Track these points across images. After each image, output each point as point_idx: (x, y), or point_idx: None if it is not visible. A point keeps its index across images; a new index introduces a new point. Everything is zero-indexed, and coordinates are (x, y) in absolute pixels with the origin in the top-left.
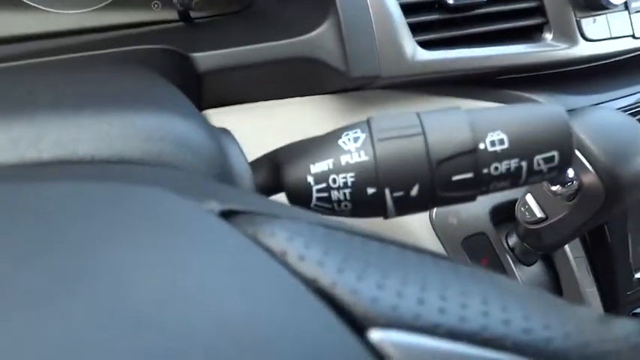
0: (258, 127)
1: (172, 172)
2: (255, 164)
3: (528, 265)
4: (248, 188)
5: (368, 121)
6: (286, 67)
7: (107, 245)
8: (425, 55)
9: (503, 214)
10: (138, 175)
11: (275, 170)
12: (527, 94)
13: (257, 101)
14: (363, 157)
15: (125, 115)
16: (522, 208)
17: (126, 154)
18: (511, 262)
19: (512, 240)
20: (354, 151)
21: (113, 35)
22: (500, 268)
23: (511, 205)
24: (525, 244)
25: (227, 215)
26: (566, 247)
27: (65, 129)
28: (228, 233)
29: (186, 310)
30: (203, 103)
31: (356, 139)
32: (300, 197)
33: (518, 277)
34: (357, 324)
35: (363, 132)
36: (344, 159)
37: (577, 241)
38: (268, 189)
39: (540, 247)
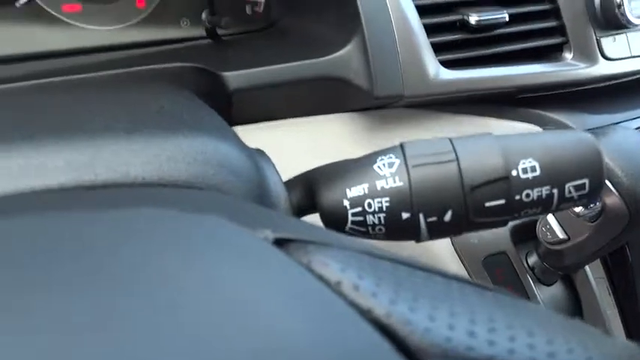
0: (284, 144)
1: (222, 197)
2: (290, 184)
3: (548, 285)
4: (285, 208)
5: (401, 147)
6: (313, 85)
7: (169, 271)
8: (447, 74)
9: (524, 234)
10: (190, 200)
11: (309, 191)
12: (547, 113)
13: (284, 118)
14: (398, 183)
15: (172, 139)
16: (543, 228)
17: (174, 177)
18: (531, 281)
19: (533, 259)
20: (389, 176)
21: (144, 52)
22: (520, 287)
23: (532, 224)
24: (546, 264)
25: (280, 243)
26: (587, 267)
27: (118, 152)
28: (285, 262)
29: (249, 335)
30: (231, 120)
31: (391, 165)
32: (336, 220)
33: (538, 297)
34: (412, 355)
35: (397, 157)
36: (379, 184)
37: (598, 262)
38: (303, 209)
39: (561, 267)
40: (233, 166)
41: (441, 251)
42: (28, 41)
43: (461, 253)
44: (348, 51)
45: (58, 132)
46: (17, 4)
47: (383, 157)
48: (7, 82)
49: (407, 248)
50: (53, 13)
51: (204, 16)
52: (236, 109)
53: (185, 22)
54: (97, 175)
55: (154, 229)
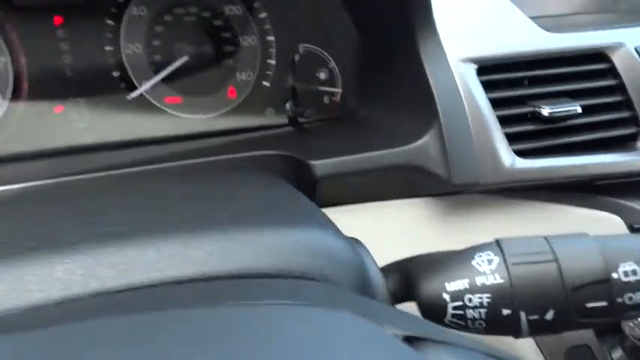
0: (362, 227)
1: (343, 291)
2: (386, 272)
3: None
4: (383, 296)
5: (498, 244)
6: (392, 172)
7: None
8: (522, 163)
9: (608, 326)
10: (316, 293)
11: (406, 280)
12: (622, 201)
13: (362, 202)
14: (499, 280)
15: (284, 231)
16: (631, 323)
17: (291, 269)
18: None
19: (617, 354)
20: (489, 273)
21: (234, 139)
22: None
23: None
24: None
25: (410, 340)
26: None
27: (235, 245)
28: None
29: None
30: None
31: (490, 262)
32: (435, 312)
33: None
34: None
35: (495, 255)
36: (479, 280)
37: None
38: (399, 298)
39: None
40: (340, 257)
41: (521, 340)
42: (135, 128)
43: (542, 344)
44: (426, 141)
45: (181, 224)
46: (128, 97)
47: (481, 253)
48: (117, 168)
49: (487, 337)
50: (157, 104)
51: (288, 106)
52: (319, 193)
53: (270, 111)
54: (222, 265)
55: (295, 324)
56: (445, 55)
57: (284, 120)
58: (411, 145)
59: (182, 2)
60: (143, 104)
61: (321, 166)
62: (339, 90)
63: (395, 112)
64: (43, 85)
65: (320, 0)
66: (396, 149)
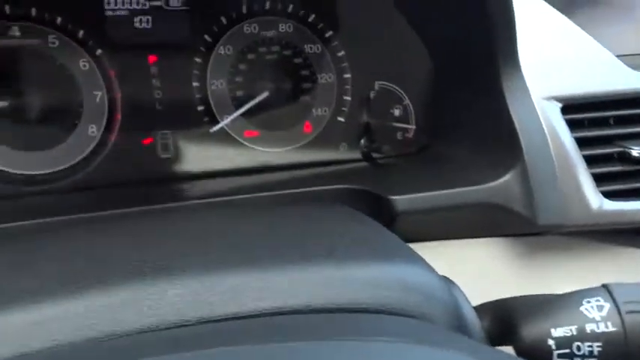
0: (440, 265)
1: (447, 331)
2: (480, 311)
3: None
4: (479, 337)
5: (607, 289)
6: (472, 210)
7: None
8: (610, 205)
9: None
10: (423, 332)
11: (504, 322)
12: None
13: (439, 239)
14: (611, 328)
15: (378, 266)
16: None
17: (389, 304)
18: None
19: None
20: (599, 320)
21: (310, 173)
22: None
23: None
24: None
25: None
26: None
27: (337, 279)
28: None
29: None
30: None
31: (600, 308)
32: (538, 358)
33: None
34: None
35: (606, 301)
36: (589, 327)
37: None
38: (495, 339)
39: None
40: (437, 295)
41: None
42: (216, 160)
43: None
44: (509, 179)
45: (281, 255)
46: (210, 130)
47: (589, 298)
48: (199, 198)
49: None
50: (237, 137)
51: (362, 142)
52: (396, 229)
53: (344, 146)
54: (324, 300)
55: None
56: (528, 91)
57: (357, 155)
58: (493, 183)
59: (265, 42)
60: (224, 137)
61: (401, 201)
62: (412, 126)
63: (473, 149)
64: (134, 118)
65: (397, 39)
66: (477, 187)
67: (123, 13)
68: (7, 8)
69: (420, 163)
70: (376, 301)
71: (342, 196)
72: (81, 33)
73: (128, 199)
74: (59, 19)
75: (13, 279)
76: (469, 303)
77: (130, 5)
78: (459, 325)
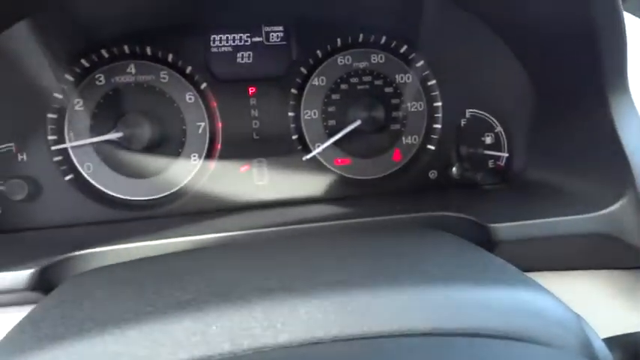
0: None
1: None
2: (610, 344)
3: None
4: None
5: None
6: (579, 241)
7: None
8: None
9: None
10: None
11: (637, 356)
12: None
13: (541, 270)
14: None
15: (507, 294)
16: None
17: (529, 333)
18: None
19: None
20: None
21: (400, 200)
22: None
23: None
24: None
25: None
26: None
27: (467, 304)
28: None
29: None
30: None
31: None
32: None
33: None
34: None
35: None
36: None
37: None
38: None
39: None
40: (572, 326)
41: None
42: (308, 187)
43: None
44: (620, 208)
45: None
46: (303, 158)
47: None
48: (293, 224)
49: None
50: (328, 165)
51: (454, 170)
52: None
53: (433, 174)
54: (455, 323)
55: None
56: (639, 115)
57: (447, 182)
58: (602, 212)
59: (357, 72)
60: (316, 165)
61: (502, 229)
62: (505, 154)
63: (576, 176)
64: (233, 147)
65: (490, 67)
66: (583, 216)
67: (227, 49)
68: (126, 48)
69: (517, 190)
70: (509, 328)
71: (439, 224)
72: (189, 69)
73: (226, 224)
74: (170, 57)
75: (165, 293)
76: (597, 335)
77: (234, 42)
78: (592, 358)
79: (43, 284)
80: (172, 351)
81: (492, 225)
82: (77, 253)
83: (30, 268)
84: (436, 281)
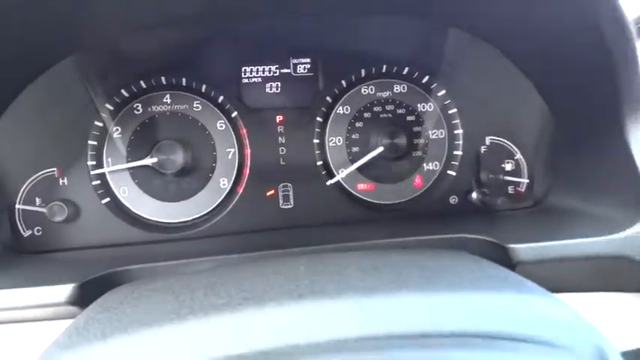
0: None
1: None
2: (627, 357)
3: None
4: None
5: None
6: (597, 262)
7: None
8: None
9: None
10: None
11: None
12: None
13: (558, 292)
14: None
15: (537, 304)
16: None
17: (555, 340)
18: None
19: None
20: None
21: (422, 223)
22: None
23: None
24: None
25: None
26: None
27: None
28: None
29: None
30: None
31: None
32: None
33: None
34: None
35: None
36: None
37: None
38: None
39: None
40: (591, 337)
41: None
42: (332, 211)
43: None
44: (635, 231)
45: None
46: (327, 183)
47: None
48: (318, 244)
49: None
50: (351, 190)
51: (474, 195)
52: None
53: (454, 199)
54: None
55: None
56: None
57: (468, 207)
58: (620, 235)
59: (380, 101)
60: (339, 190)
61: (522, 250)
62: (525, 180)
63: (593, 201)
64: (260, 172)
65: (510, 95)
66: (601, 237)
67: (257, 80)
68: (162, 79)
69: (537, 214)
70: (533, 333)
71: (460, 245)
72: (220, 99)
73: (253, 245)
74: (204, 87)
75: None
76: (614, 348)
77: (263, 73)
78: None
79: (81, 299)
80: (212, 346)
81: (512, 246)
82: (114, 270)
83: (70, 282)
84: (458, 288)
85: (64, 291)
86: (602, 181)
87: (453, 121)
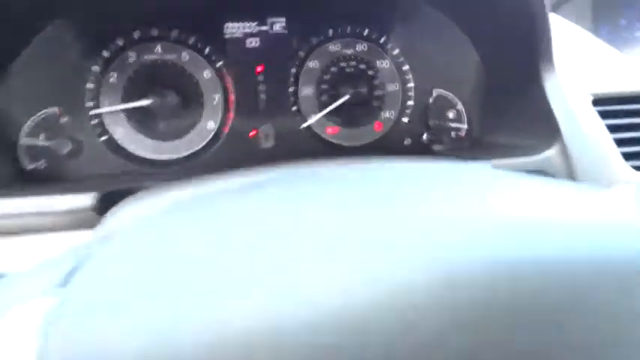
0: None
1: None
2: None
3: None
4: None
5: None
6: None
7: None
8: (637, 176)
9: None
10: None
11: None
12: None
13: None
14: None
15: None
16: None
17: None
18: None
19: None
20: None
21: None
22: None
23: None
24: None
25: None
26: None
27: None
28: None
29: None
30: None
31: None
32: None
33: None
34: None
35: None
36: None
37: None
38: None
39: None
40: None
41: None
42: (304, 152)
43: None
44: (552, 153)
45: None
46: (300, 127)
47: None
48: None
49: None
50: (320, 134)
51: (425, 137)
52: None
53: (407, 141)
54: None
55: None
56: (563, 89)
57: (419, 147)
58: (539, 156)
59: (345, 58)
60: (311, 133)
61: None
62: (465, 126)
63: (518, 136)
64: (243, 116)
65: (451, 54)
66: (525, 158)
67: (238, 35)
68: (154, 31)
69: (473, 150)
70: None
71: None
72: (206, 50)
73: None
74: (191, 40)
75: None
76: None
77: (244, 30)
78: None
79: (104, 209)
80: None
81: None
82: (132, 186)
83: (93, 191)
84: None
85: (88, 199)
86: (526, 121)
87: (406, 77)
